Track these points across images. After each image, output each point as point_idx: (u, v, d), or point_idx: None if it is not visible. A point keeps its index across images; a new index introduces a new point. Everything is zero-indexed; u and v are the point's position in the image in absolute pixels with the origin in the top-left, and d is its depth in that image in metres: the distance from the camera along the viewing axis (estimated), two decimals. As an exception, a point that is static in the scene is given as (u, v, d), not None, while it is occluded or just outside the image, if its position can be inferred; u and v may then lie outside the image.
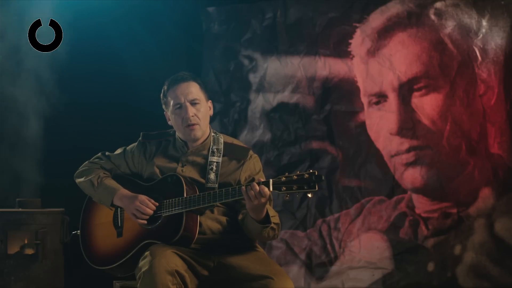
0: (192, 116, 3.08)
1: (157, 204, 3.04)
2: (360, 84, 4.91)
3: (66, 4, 5.15)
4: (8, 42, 5.07)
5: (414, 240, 4.71)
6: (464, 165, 4.61)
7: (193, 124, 3.09)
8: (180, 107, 3.10)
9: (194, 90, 3.11)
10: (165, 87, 3.17)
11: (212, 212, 3.07)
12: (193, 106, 3.10)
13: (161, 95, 3.19)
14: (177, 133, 3.19)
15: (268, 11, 5.20)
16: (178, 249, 2.93)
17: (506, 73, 4.52)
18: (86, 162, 3.30)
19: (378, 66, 4.84)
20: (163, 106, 3.20)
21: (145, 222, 3.04)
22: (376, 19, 4.85)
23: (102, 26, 5.21)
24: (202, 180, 3.08)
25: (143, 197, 3.05)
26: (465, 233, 4.58)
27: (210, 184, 3.06)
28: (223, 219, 3.08)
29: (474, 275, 4.55)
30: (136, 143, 3.27)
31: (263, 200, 2.82)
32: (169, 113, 3.17)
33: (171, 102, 3.12)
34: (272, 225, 2.95)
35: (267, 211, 2.92)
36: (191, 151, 3.15)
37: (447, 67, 4.66)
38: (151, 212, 3.03)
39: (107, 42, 5.23)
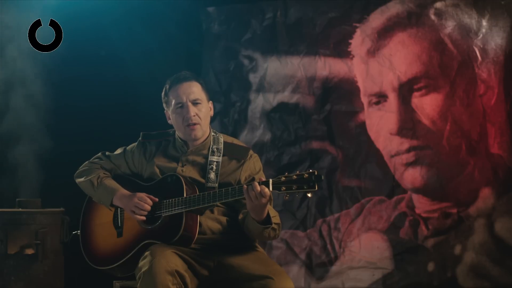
0: (194, 116, 3.08)
1: (156, 200, 3.04)
2: (360, 84, 4.91)
3: (66, 4, 5.15)
4: (8, 42, 5.06)
5: (414, 240, 4.71)
6: (464, 165, 4.61)
7: (194, 124, 3.09)
8: (181, 107, 3.10)
9: (196, 90, 3.12)
10: (167, 86, 3.16)
11: (212, 212, 3.06)
12: (195, 106, 3.10)
13: (163, 93, 3.19)
14: (177, 133, 3.19)
15: (268, 11, 5.20)
16: (178, 249, 2.93)
17: (506, 73, 4.52)
18: (86, 162, 3.30)
19: (378, 66, 4.84)
20: (164, 105, 3.20)
21: (144, 218, 3.03)
22: (376, 19, 4.85)
23: (102, 27, 5.21)
24: (202, 180, 3.08)
25: (141, 194, 3.05)
26: (465, 233, 4.58)
27: (210, 184, 3.06)
28: (223, 219, 3.08)
29: (474, 275, 4.54)
30: (136, 143, 3.27)
31: (263, 200, 2.82)
32: (169, 112, 3.17)
33: (173, 101, 3.12)
34: (273, 225, 2.94)
35: (268, 212, 2.92)
36: (191, 150, 3.15)
37: (447, 67, 4.66)
38: (149, 208, 3.02)
39: (107, 42, 5.23)
